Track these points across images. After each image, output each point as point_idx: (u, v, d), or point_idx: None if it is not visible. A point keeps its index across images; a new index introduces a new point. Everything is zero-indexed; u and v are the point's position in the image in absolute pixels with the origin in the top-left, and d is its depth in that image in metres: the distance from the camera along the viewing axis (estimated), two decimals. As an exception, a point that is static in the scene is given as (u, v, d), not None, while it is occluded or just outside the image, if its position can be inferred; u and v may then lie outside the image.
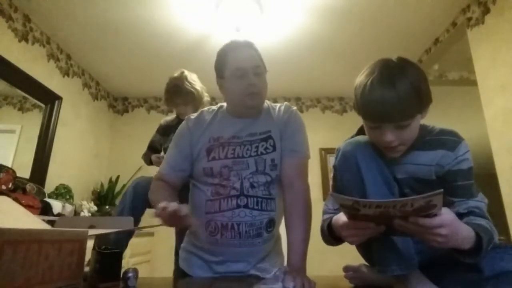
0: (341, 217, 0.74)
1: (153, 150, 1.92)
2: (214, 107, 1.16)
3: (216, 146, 1.04)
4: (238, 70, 1.02)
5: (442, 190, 0.56)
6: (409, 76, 0.71)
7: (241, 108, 1.06)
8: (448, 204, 0.73)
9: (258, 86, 1.03)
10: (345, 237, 0.73)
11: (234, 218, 0.98)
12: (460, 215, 0.73)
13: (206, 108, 1.17)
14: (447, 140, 0.79)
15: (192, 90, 1.74)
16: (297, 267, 0.90)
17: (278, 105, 1.14)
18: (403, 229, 0.63)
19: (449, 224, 0.61)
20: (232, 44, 1.07)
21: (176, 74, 1.79)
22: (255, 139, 1.04)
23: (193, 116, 1.13)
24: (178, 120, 1.88)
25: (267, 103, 1.14)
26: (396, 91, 0.69)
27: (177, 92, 1.74)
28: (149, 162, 1.90)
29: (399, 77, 0.70)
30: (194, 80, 1.80)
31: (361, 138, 0.85)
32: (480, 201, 0.77)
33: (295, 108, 1.13)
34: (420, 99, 0.72)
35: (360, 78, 0.76)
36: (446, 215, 0.62)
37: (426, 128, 0.83)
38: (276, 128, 1.06)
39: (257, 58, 1.06)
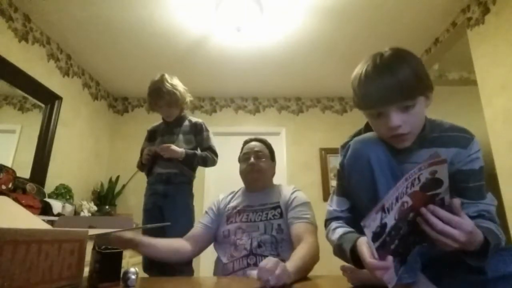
0: (365, 248, 0.65)
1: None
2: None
3: (234, 213, 1.26)
4: (244, 154, 1.37)
5: (446, 158, 0.58)
6: (406, 59, 0.70)
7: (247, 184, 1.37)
8: None
9: (258, 165, 1.32)
10: (378, 277, 0.63)
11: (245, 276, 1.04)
12: (470, 218, 0.72)
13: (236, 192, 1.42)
14: (461, 137, 0.75)
15: (175, 90, 1.75)
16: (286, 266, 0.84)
17: (287, 187, 1.34)
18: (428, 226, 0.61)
19: (471, 223, 0.60)
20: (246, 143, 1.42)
21: (156, 78, 1.79)
22: (265, 207, 1.24)
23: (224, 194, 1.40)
24: (165, 124, 1.88)
25: (279, 186, 1.36)
26: (391, 72, 0.69)
27: (160, 94, 1.74)
28: (142, 169, 1.88)
29: (394, 61, 0.70)
30: (175, 82, 1.80)
31: (371, 135, 0.79)
32: (490, 203, 0.74)
33: (300, 190, 1.31)
34: (419, 78, 0.70)
35: (355, 71, 0.76)
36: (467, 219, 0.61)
37: (435, 122, 0.79)
38: (283, 202, 1.24)
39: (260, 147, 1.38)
